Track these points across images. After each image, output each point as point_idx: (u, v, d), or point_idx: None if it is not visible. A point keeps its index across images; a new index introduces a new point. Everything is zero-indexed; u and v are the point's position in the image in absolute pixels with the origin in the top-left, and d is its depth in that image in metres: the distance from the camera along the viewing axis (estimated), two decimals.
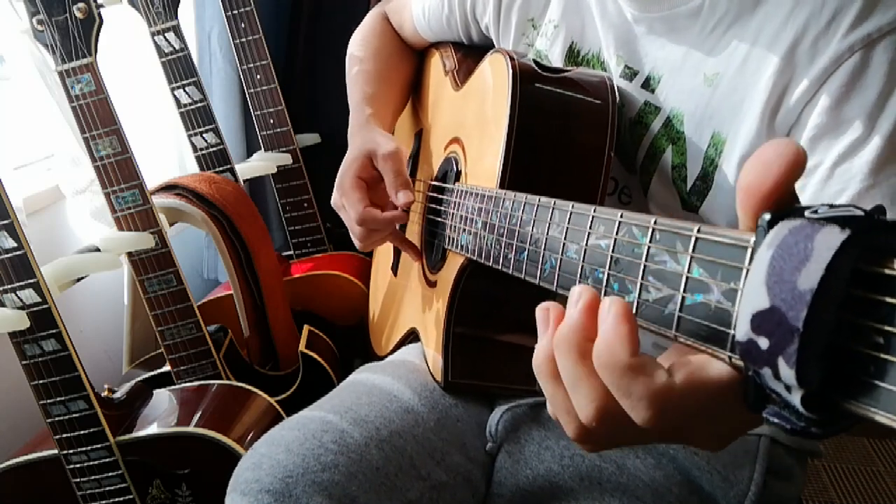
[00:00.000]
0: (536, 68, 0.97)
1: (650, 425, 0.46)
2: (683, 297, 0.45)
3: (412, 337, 1.29)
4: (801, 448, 1.07)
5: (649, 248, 0.49)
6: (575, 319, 0.51)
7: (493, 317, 1.07)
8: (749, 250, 0.40)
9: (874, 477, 2.21)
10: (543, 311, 0.55)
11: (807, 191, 0.84)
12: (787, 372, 0.35)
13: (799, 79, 0.83)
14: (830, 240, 0.34)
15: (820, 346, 0.35)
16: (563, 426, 0.55)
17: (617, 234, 0.54)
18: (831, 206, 0.36)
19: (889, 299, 0.33)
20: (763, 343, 0.36)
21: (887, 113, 0.79)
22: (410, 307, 1.30)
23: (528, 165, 0.93)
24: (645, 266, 0.49)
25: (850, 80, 0.80)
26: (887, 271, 0.33)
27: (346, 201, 1.15)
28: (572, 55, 1.07)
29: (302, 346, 1.63)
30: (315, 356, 1.62)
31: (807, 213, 0.36)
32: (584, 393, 0.50)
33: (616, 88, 0.98)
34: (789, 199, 0.40)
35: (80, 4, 1.32)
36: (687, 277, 0.45)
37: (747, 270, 0.40)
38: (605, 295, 0.55)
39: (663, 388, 0.46)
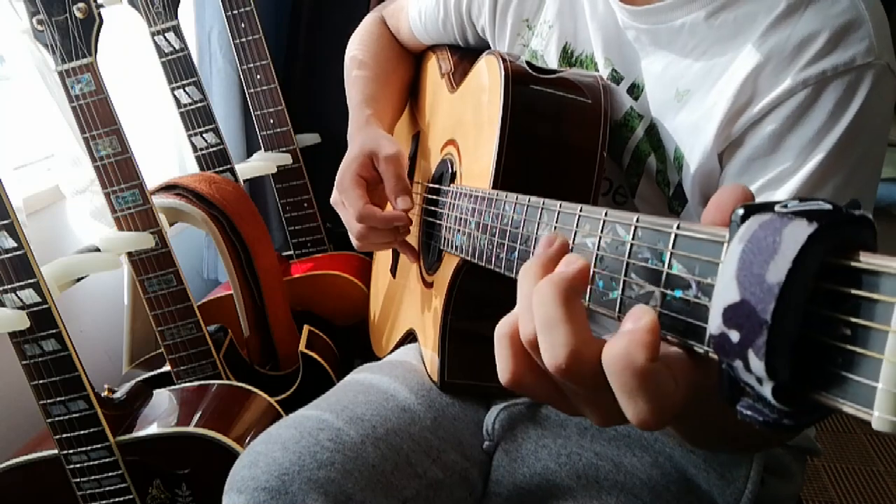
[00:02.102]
0: (529, 69, 0.98)
1: (650, 427, 0.46)
2: (664, 293, 0.45)
3: (411, 338, 1.29)
4: (800, 446, 1.07)
5: (632, 245, 0.49)
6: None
7: (488, 317, 1.06)
8: (724, 245, 0.41)
9: (874, 477, 2.21)
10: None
11: None
12: (758, 364, 0.35)
13: (756, 102, 0.86)
14: (798, 233, 0.35)
15: (788, 338, 0.35)
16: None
17: (602, 232, 0.54)
18: (801, 199, 0.37)
19: (856, 291, 0.33)
20: (734, 336, 0.37)
21: (818, 150, 0.82)
22: (408, 308, 1.30)
23: (520, 166, 0.94)
24: (628, 263, 0.50)
25: (797, 113, 0.83)
26: (854, 264, 0.34)
27: (345, 198, 1.16)
28: (566, 55, 1.08)
29: (302, 346, 1.64)
30: (315, 356, 1.62)
31: (777, 208, 0.37)
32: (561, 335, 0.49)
33: (609, 88, 0.99)
34: None
35: (80, 4, 1.32)
36: (667, 274, 0.45)
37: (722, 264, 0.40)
38: (589, 293, 0.55)
39: (671, 396, 0.45)
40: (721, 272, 0.38)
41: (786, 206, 0.36)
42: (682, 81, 0.93)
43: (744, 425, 0.39)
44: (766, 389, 0.36)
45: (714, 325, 0.38)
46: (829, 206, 0.35)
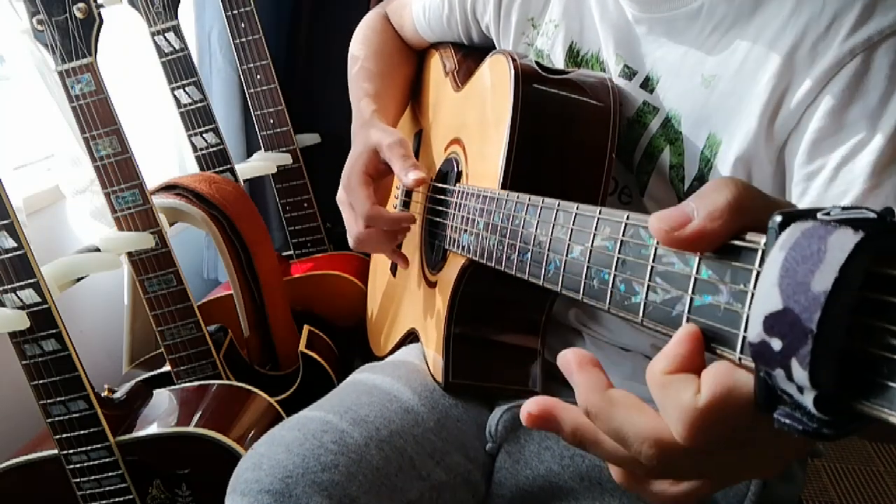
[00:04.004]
0: (538, 69, 0.98)
1: (690, 444, 0.45)
2: (692, 299, 0.45)
3: (412, 337, 1.29)
4: None
5: (656, 249, 0.49)
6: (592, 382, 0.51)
7: (493, 317, 1.07)
8: (759, 252, 0.40)
9: (874, 477, 2.22)
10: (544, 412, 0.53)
11: (809, 193, 0.84)
12: (801, 373, 0.35)
13: (798, 82, 0.83)
14: (844, 241, 0.34)
15: (833, 347, 0.35)
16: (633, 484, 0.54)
17: (623, 235, 0.54)
18: (843, 208, 0.36)
19: None
20: (776, 344, 0.36)
21: (889, 114, 0.79)
22: (410, 308, 1.30)
23: (529, 166, 0.93)
24: (652, 267, 0.49)
25: (852, 84, 0.80)
26: None
27: (352, 199, 1.15)
28: (572, 55, 1.07)
29: (302, 346, 1.63)
30: (315, 356, 1.62)
31: (819, 215, 0.36)
32: (635, 432, 0.49)
33: (617, 90, 0.99)
34: None
35: (80, 4, 1.31)
36: (695, 279, 0.45)
37: (758, 272, 0.40)
38: (610, 296, 0.55)
39: (690, 403, 0.44)
40: (762, 279, 0.38)
41: (828, 214, 0.36)
42: (706, 67, 0.91)
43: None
44: (808, 398, 0.36)
45: (754, 332, 0.38)
46: (873, 215, 0.35)
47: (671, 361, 0.45)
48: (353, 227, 1.16)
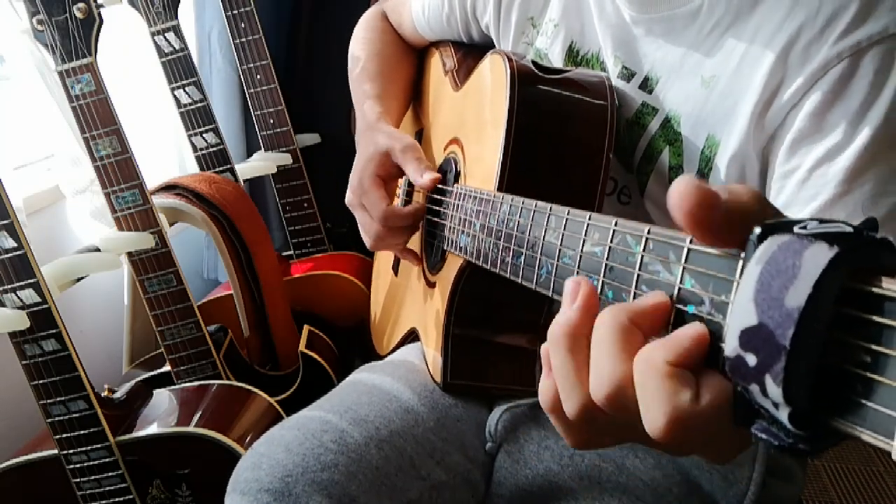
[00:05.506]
0: (535, 69, 0.97)
1: (662, 438, 0.44)
2: (677, 309, 0.45)
3: (412, 337, 1.29)
4: None
5: (643, 257, 0.49)
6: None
7: (492, 318, 1.07)
8: (739, 262, 0.40)
9: (874, 477, 2.21)
10: (575, 283, 0.52)
11: (784, 192, 0.84)
12: (775, 389, 0.35)
13: (790, 81, 0.83)
14: (818, 257, 0.34)
15: (807, 363, 0.34)
16: (563, 401, 0.52)
17: (611, 241, 0.54)
18: (821, 221, 0.36)
19: (877, 318, 0.32)
20: (751, 360, 0.36)
21: (867, 122, 0.79)
22: (411, 307, 1.30)
23: (526, 167, 0.93)
24: (638, 275, 0.49)
25: (836, 87, 0.80)
26: (875, 289, 0.33)
27: (366, 200, 1.15)
28: (572, 55, 1.07)
29: (302, 346, 1.63)
30: (315, 356, 1.62)
31: (796, 229, 0.36)
32: (607, 370, 0.47)
33: (615, 89, 0.98)
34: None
35: (80, 4, 1.32)
36: (679, 289, 0.45)
37: (737, 284, 0.40)
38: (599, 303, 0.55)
39: (686, 405, 0.43)
40: (738, 294, 0.38)
41: (805, 227, 0.35)
42: (705, 67, 0.91)
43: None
44: (783, 414, 0.35)
45: (730, 347, 0.38)
46: (849, 229, 0.35)
47: (678, 354, 0.43)
48: (371, 227, 1.16)
